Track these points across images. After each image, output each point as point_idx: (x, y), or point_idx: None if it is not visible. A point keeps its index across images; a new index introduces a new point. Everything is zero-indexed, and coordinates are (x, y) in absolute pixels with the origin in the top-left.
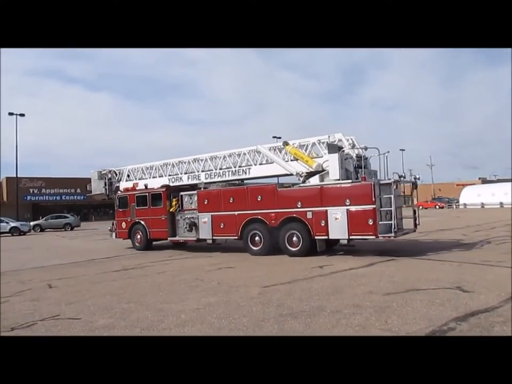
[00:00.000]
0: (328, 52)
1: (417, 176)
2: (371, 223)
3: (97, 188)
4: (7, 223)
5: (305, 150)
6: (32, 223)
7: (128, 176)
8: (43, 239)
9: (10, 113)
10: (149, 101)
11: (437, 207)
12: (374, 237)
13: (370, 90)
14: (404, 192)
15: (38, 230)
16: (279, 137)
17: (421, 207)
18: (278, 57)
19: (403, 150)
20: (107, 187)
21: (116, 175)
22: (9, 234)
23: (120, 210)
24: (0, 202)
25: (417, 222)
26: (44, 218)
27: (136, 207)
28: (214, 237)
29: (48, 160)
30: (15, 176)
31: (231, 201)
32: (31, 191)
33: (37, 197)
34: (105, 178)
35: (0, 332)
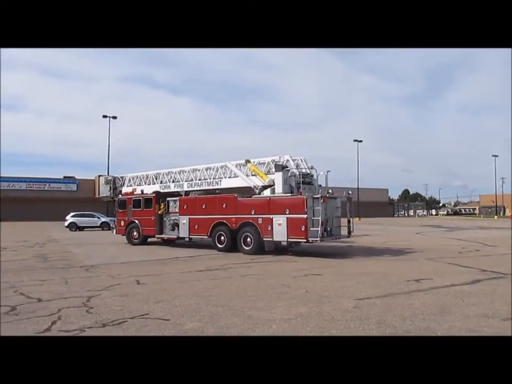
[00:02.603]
0: (411, 53)
1: (350, 192)
2: (303, 229)
3: (103, 191)
4: (99, 218)
5: (263, 167)
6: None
7: (130, 181)
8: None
9: (104, 116)
10: (228, 105)
11: None
12: (305, 240)
13: (457, 92)
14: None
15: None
16: (360, 141)
17: None
18: (358, 59)
19: (496, 156)
20: (112, 191)
21: (119, 180)
22: (100, 229)
23: (120, 211)
24: (93, 198)
25: (351, 229)
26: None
27: (132, 209)
28: (190, 236)
29: (134, 159)
30: (106, 174)
31: (203, 207)
32: None
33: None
34: (111, 183)
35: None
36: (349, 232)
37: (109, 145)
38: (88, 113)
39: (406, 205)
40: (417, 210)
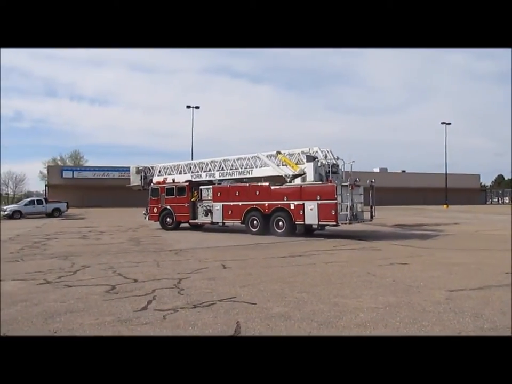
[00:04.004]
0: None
1: (373, 180)
2: (333, 213)
3: (134, 180)
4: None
5: (292, 158)
6: None
7: (160, 172)
8: None
9: (188, 106)
10: (307, 91)
11: None
12: (334, 223)
13: None
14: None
15: None
16: (449, 123)
17: None
18: None
19: None
20: (142, 180)
21: (150, 170)
22: None
23: (153, 198)
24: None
25: (373, 214)
26: None
27: (166, 196)
28: (223, 221)
29: (215, 148)
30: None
31: (237, 194)
32: None
33: None
34: (142, 173)
35: None
36: (371, 217)
37: (192, 135)
38: (172, 104)
39: (500, 192)
40: None
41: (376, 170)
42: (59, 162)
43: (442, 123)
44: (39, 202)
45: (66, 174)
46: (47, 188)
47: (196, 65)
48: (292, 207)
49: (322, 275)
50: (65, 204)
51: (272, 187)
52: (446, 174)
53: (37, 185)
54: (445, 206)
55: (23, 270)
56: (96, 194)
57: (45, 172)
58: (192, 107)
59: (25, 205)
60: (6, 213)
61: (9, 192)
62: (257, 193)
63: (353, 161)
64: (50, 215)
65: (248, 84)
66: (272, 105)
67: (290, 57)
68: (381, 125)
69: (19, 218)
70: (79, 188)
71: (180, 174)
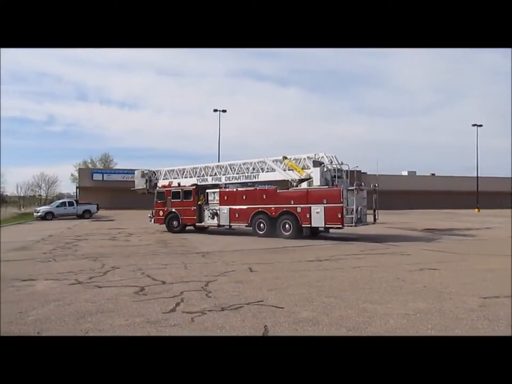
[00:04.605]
0: None
1: (376, 185)
2: (339, 216)
3: (139, 183)
4: None
5: (298, 163)
6: None
7: (165, 175)
8: None
9: (215, 110)
10: (334, 93)
11: None
12: (341, 225)
13: None
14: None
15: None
16: (480, 125)
17: None
18: None
19: None
20: (147, 183)
21: (155, 174)
22: None
23: (159, 201)
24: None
25: (376, 217)
26: None
27: (172, 200)
28: (230, 224)
29: (242, 151)
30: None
31: (244, 198)
32: None
33: None
34: (147, 176)
35: None
36: (374, 220)
37: (219, 138)
38: (199, 107)
39: None
40: None
41: (405, 173)
42: (89, 165)
43: (474, 125)
44: (70, 204)
45: (96, 177)
46: (77, 189)
47: (222, 68)
48: (299, 210)
49: (350, 280)
50: (95, 205)
51: (279, 191)
52: (477, 177)
53: (68, 187)
54: (476, 210)
55: (56, 270)
56: (124, 196)
57: (76, 174)
58: (219, 110)
59: (57, 206)
60: (39, 214)
61: (42, 193)
62: (264, 197)
63: (356, 167)
64: (80, 216)
65: (274, 86)
66: (298, 108)
67: (316, 59)
68: (409, 127)
69: (51, 219)
70: (109, 190)
71: (185, 177)
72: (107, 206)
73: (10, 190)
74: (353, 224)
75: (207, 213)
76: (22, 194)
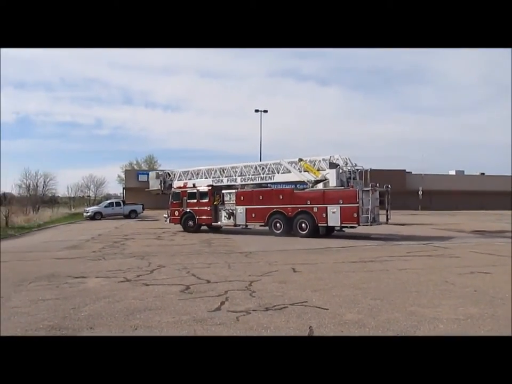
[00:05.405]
0: None
1: (389, 186)
2: (355, 216)
3: (154, 185)
4: None
5: (314, 165)
6: None
7: (180, 176)
8: None
9: (256, 110)
10: (376, 92)
11: None
12: (356, 225)
13: None
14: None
15: None
16: None
17: None
18: None
19: None
20: (162, 185)
21: (169, 175)
22: None
23: (174, 202)
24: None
25: (389, 217)
26: None
27: (188, 200)
28: (246, 223)
29: (283, 151)
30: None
31: (260, 198)
32: None
33: None
34: (161, 177)
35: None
36: (387, 219)
37: (261, 138)
38: (241, 108)
39: None
40: None
41: (452, 172)
42: (135, 167)
43: None
44: (118, 204)
45: (142, 178)
46: (124, 190)
47: (263, 69)
48: (315, 210)
49: (397, 282)
50: (141, 206)
51: (296, 191)
52: None
53: (115, 188)
54: None
55: (105, 268)
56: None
57: (123, 175)
58: (260, 111)
59: (105, 206)
60: (88, 214)
61: (90, 194)
62: (280, 197)
63: (370, 168)
64: (127, 216)
65: (315, 86)
66: (339, 107)
67: (357, 58)
68: (457, 125)
69: (100, 219)
70: None
71: (200, 178)
72: (152, 206)
73: (61, 192)
74: (369, 223)
75: (223, 213)
76: (72, 195)
